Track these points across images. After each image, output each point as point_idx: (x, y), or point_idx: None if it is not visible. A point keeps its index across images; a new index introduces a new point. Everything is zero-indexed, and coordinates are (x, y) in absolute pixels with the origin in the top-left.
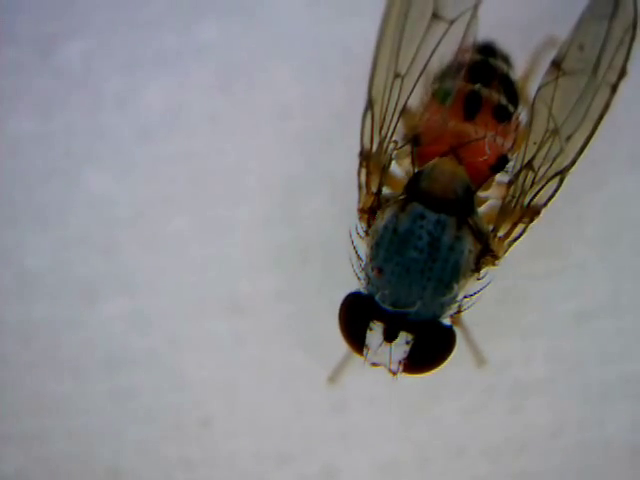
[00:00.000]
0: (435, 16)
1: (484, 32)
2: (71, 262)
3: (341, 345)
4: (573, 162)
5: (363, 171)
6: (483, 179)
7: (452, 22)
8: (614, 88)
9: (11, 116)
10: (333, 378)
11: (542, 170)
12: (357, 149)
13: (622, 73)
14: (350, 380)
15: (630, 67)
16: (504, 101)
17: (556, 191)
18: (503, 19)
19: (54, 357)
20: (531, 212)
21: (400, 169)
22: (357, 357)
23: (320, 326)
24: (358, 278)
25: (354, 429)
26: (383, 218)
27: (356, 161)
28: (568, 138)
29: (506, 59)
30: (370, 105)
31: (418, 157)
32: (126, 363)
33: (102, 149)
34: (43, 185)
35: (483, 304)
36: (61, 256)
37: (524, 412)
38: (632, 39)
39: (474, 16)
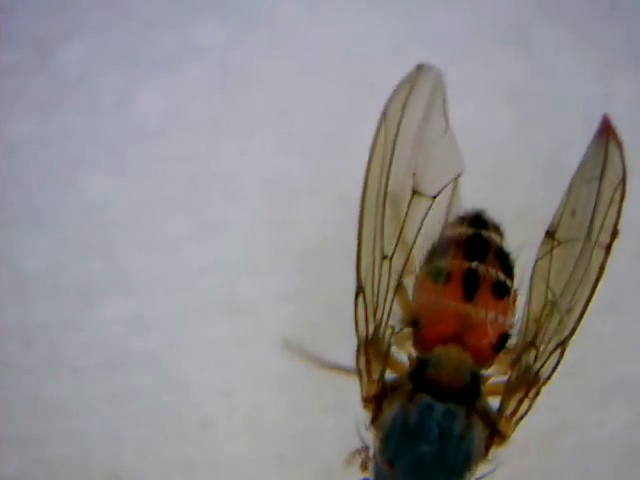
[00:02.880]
0: (416, 193)
1: None
2: (69, 264)
3: (340, 347)
4: (573, 331)
5: (362, 359)
6: (486, 360)
7: (434, 198)
8: (608, 249)
9: (8, 118)
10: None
11: (544, 345)
12: (358, 152)
13: (614, 233)
14: (349, 381)
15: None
16: (502, 277)
17: (558, 363)
18: None
19: (53, 359)
20: (536, 387)
21: (401, 351)
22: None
23: (320, 328)
24: (365, 467)
25: (353, 430)
26: (391, 410)
27: (356, 167)
28: (567, 309)
29: (497, 229)
30: (361, 290)
31: (419, 341)
32: (125, 365)
33: (100, 150)
34: (40, 187)
35: None
36: (59, 258)
37: None
38: (622, 197)
39: (456, 189)
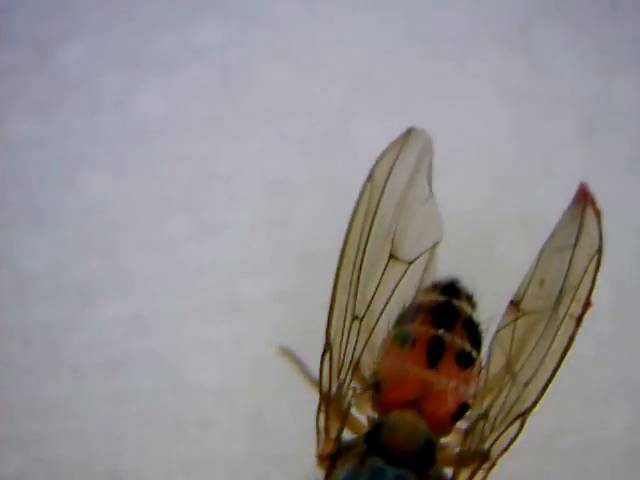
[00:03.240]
0: (393, 257)
1: None
2: (69, 264)
3: None
4: (535, 403)
5: (322, 416)
6: (444, 428)
7: (410, 263)
8: (579, 321)
9: (8, 117)
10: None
11: (499, 418)
12: (357, 152)
13: (587, 305)
14: None
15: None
16: (468, 347)
17: (517, 435)
18: None
19: (53, 359)
20: (492, 458)
21: (360, 412)
22: None
23: (318, 328)
24: None
25: None
26: (342, 471)
27: (355, 167)
28: (526, 383)
29: (469, 299)
30: (329, 347)
31: (379, 403)
32: (125, 365)
33: (100, 150)
34: (40, 187)
35: (482, 306)
36: (59, 258)
37: None
38: (597, 267)
39: (432, 256)
